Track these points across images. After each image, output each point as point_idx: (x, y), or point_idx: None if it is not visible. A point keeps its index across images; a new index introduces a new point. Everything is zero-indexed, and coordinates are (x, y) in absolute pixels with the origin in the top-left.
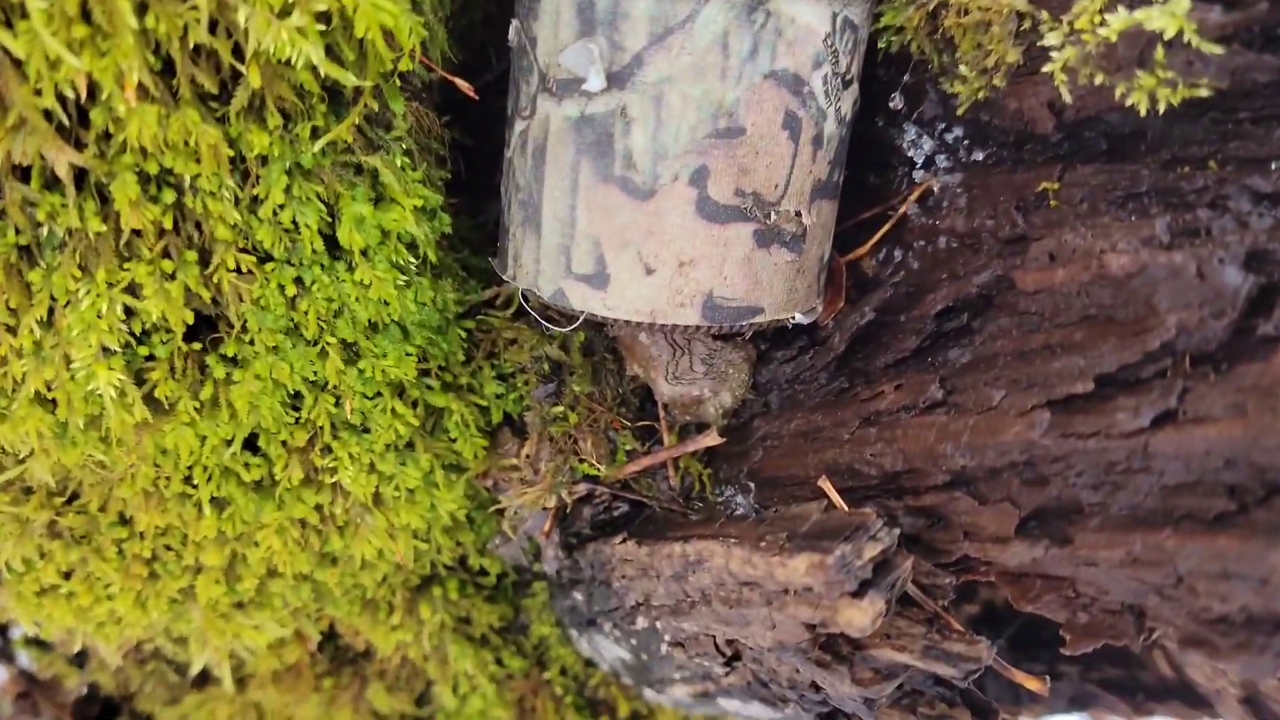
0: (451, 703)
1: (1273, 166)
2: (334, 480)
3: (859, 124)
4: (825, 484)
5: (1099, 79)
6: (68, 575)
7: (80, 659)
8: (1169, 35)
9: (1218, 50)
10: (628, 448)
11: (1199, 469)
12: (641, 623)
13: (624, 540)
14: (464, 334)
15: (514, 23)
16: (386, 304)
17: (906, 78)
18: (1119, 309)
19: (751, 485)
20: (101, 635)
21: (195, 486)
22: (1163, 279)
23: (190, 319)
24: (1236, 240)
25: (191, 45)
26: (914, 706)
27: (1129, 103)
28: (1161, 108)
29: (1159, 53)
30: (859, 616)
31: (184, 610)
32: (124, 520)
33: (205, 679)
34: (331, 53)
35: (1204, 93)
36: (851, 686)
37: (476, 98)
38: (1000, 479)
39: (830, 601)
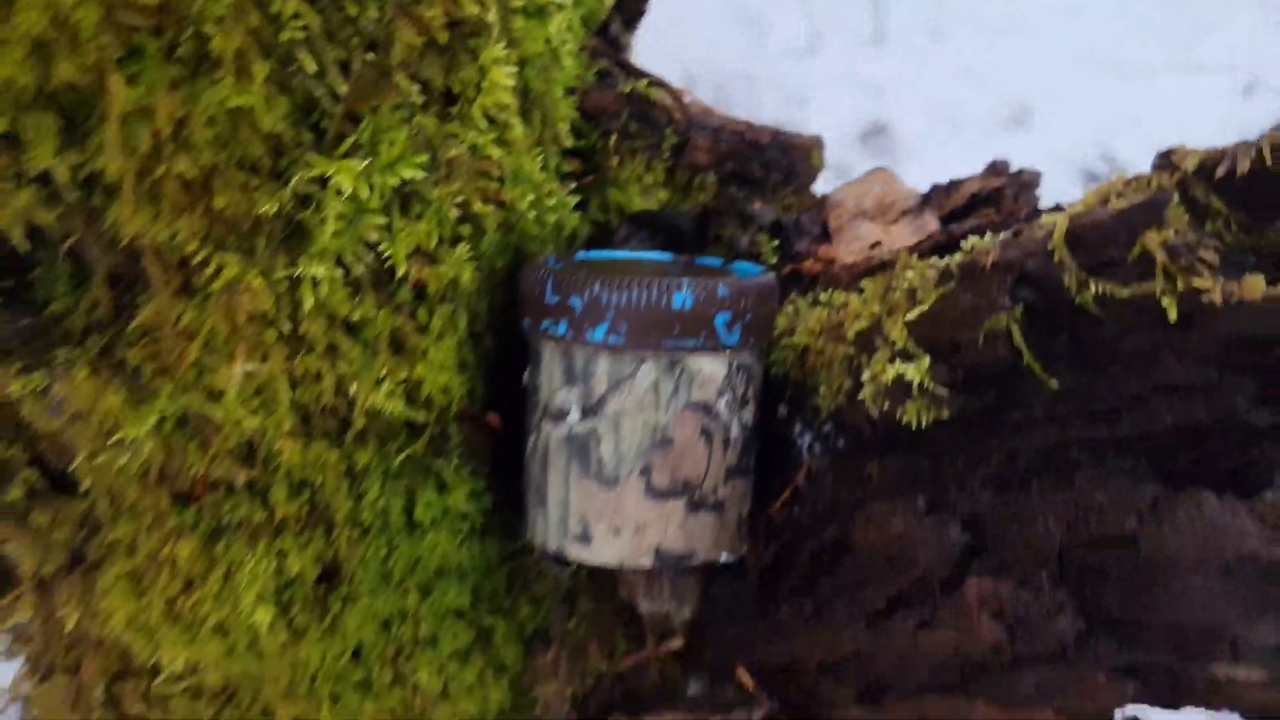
0: None
1: (993, 462)
2: (414, 680)
3: (769, 420)
4: (741, 672)
5: (886, 405)
6: None
7: None
8: (917, 382)
9: (944, 392)
10: (623, 650)
11: (943, 655)
12: None
13: (615, 716)
14: (505, 573)
15: (527, 370)
16: (448, 557)
17: (789, 393)
18: (893, 554)
19: (705, 674)
20: None
21: (318, 686)
22: (919, 537)
23: (318, 572)
24: (967, 510)
25: (321, 405)
26: None
27: (905, 420)
28: (924, 423)
29: (915, 391)
30: None
31: None
32: (266, 713)
33: None
34: (410, 401)
35: (945, 415)
36: None
37: (500, 427)
38: (844, 666)
39: None
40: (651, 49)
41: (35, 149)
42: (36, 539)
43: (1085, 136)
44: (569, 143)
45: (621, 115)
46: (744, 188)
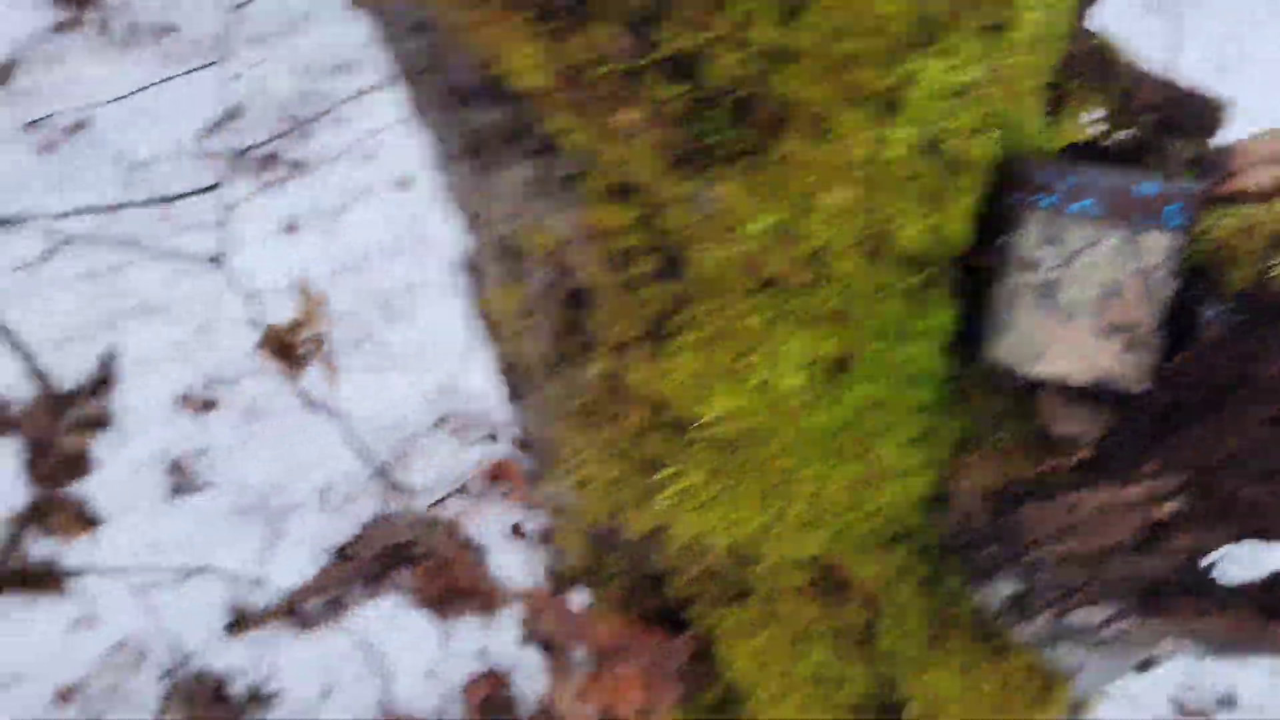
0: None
1: None
2: (872, 456)
3: (1187, 300)
4: (1150, 463)
5: None
6: (713, 500)
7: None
8: None
9: None
10: (1035, 460)
11: None
12: (1035, 553)
13: (1030, 501)
14: (952, 387)
15: (1000, 238)
16: (923, 365)
17: (1202, 278)
18: None
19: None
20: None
21: (807, 448)
22: None
23: (835, 356)
24: None
25: (871, 232)
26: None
27: None
28: None
29: None
30: (1161, 512)
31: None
32: (757, 466)
33: None
34: (931, 239)
35: None
36: (1161, 559)
37: (987, 263)
38: (1242, 459)
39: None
40: None
41: (756, 25)
42: (636, 309)
43: None
44: (1047, 79)
45: (1088, 64)
46: (1170, 130)
